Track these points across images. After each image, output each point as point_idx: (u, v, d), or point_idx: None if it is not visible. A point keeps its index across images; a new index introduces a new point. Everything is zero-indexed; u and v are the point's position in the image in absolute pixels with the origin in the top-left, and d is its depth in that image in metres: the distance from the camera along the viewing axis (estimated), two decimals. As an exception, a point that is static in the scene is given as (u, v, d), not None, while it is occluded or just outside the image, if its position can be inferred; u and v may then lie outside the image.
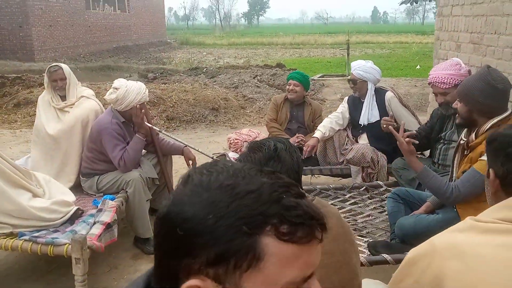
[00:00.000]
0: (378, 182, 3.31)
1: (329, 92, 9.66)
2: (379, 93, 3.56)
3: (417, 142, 2.34)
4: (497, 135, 1.24)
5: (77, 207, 2.75)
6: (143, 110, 3.10)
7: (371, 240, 2.51)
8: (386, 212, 2.70)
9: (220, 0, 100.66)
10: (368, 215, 2.89)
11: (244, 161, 1.30)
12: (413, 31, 44.70)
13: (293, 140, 3.72)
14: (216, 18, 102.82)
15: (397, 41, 31.16)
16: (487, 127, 2.10)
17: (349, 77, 3.73)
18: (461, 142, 2.26)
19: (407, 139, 2.30)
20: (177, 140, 3.58)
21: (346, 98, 3.85)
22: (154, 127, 3.33)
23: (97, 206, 2.81)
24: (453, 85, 2.73)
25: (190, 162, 3.44)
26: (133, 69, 14.91)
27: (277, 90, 9.02)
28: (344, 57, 14.42)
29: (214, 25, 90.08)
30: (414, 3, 23.71)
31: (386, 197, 2.82)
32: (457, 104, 2.26)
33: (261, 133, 4.17)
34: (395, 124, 3.10)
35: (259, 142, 1.38)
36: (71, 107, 3.30)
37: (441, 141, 2.93)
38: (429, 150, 3.18)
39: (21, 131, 6.76)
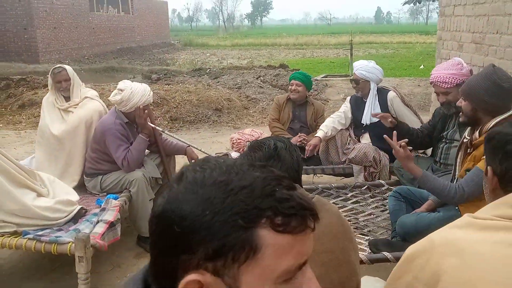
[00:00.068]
0: (380, 181, 3.31)
1: (332, 92, 9.66)
2: (382, 93, 3.56)
3: (411, 148, 2.33)
4: (495, 133, 1.24)
5: (80, 206, 2.77)
6: (146, 111, 3.12)
7: (372, 238, 2.52)
8: (388, 211, 2.71)
9: (224, 1, 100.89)
10: (370, 214, 2.90)
11: (244, 160, 1.31)
12: (417, 31, 44.55)
13: (295, 139, 3.74)
14: (220, 19, 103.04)
15: (400, 41, 31.09)
16: (491, 125, 2.10)
17: (351, 77, 3.74)
18: (465, 140, 2.26)
19: (402, 144, 2.28)
20: (180, 140, 3.60)
21: (348, 98, 3.86)
22: (157, 127, 3.36)
23: (101, 205, 2.84)
24: (454, 84, 2.74)
25: (193, 161, 3.45)
26: (137, 70, 14.96)
27: (280, 91, 9.03)
28: (348, 58, 14.42)
29: (217, 26, 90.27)
30: (418, 3, 23.65)
31: (388, 196, 2.82)
32: (461, 103, 2.26)
33: (263, 133, 4.18)
34: (395, 121, 3.11)
35: (259, 141, 1.39)
36: (75, 107, 3.32)
37: (443, 140, 2.93)
38: (431, 149, 3.18)
39: (25, 132, 6.81)
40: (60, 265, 2.85)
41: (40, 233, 2.48)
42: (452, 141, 2.86)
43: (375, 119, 3.51)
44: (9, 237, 2.46)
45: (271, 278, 0.59)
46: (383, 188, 3.23)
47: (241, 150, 3.91)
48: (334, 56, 21.14)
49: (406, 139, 2.30)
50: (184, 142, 3.57)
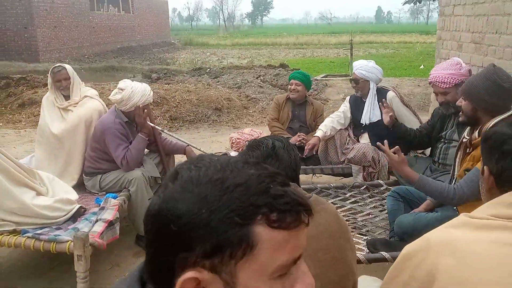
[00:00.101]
0: (379, 181, 3.32)
1: (332, 92, 9.66)
2: (381, 93, 3.56)
3: (402, 154, 2.33)
4: (492, 132, 1.24)
5: (79, 205, 2.78)
6: (145, 110, 3.13)
7: (370, 238, 2.52)
8: (386, 211, 2.71)
9: (224, 1, 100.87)
10: (368, 214, 2.90)
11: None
12: (417, 31, 44.58)
13: (294, 139, 3.74)
14: (220, 19, 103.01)
15: (401, 41, 31.09)
16: (491, 125, 2.10)
17: (351, 77, 3.75)
18: (464, 140, 2.26)
19: (396, 147, 2.27)
20: (180, 140, 3.61)
21: (348, 98, 3.86)
22: (156, 127, 3.36)
23: (100, 204, 2.84)
24: (453, 84, 2.74)
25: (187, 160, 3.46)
26: (137, 70, 14.97)
27: (280, 90, 9.03)
28: (348, 57, 14.41)
29: (218, 26, 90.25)
30: (418, 3, 23.63)
31: (386, 196, 2.83)
32: (461, 102, 2.26)
33: (263, 132, 4.19)
34: (394, 119, 3.12)
35: (257, 140, 1.40)
36: (75, 106, 3.33)
37: (442, 140, 2.94)
38: (429, 149, 3.19)
39: (25, 130, 6.82)
40: (59, 264, 2.86)
41: (39, 231, 2.49)
42: (451, 141, 2.86)
43: (374, 119, 3.52)
44: (8, 235, 2.46)
45: (267, 273, 0.60)
46: (381, 188, 3.24)
47: (240, 149, 3.91)
48: (334, 55, 21.14)
49: (397, 147, 2.29)
50: (184, 142, 3.58)
